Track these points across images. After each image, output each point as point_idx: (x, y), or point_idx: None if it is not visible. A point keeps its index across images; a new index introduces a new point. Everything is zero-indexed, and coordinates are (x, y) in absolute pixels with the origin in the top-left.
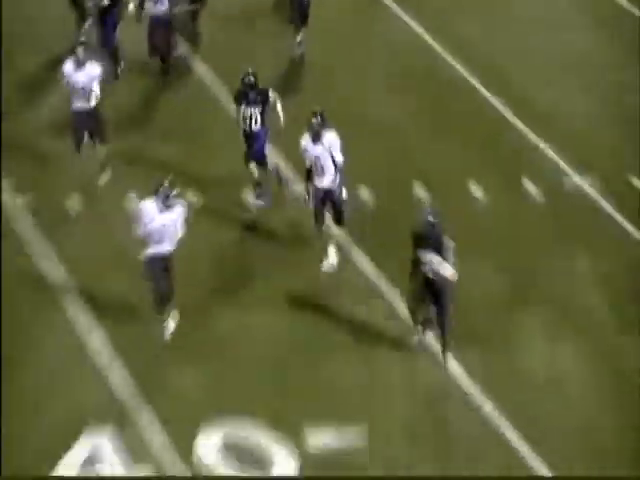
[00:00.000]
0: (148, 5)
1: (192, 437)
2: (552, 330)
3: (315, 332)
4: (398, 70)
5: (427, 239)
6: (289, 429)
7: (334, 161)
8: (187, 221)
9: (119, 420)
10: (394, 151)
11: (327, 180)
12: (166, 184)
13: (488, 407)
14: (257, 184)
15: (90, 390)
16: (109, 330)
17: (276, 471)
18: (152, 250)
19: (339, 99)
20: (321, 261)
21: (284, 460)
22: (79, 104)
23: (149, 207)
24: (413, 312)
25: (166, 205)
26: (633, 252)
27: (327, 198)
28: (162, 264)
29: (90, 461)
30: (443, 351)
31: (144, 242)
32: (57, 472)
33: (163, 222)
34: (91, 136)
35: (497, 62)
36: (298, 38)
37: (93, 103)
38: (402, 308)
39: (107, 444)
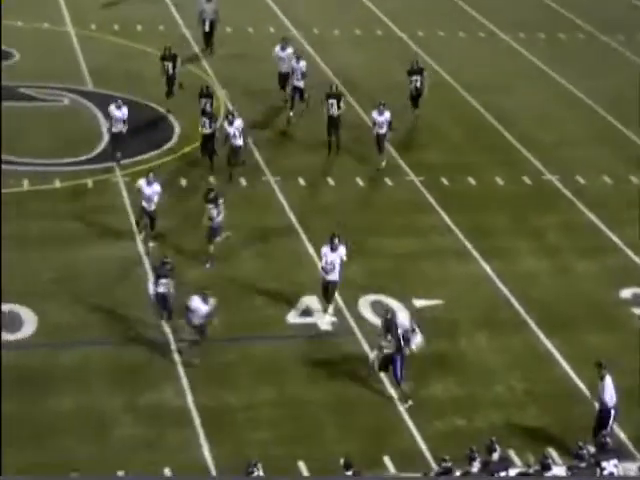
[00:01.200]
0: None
1: (355, 303)
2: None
3: None
4: None
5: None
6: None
7: (340, 265)
8: None
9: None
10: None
11: (334, 275)
12: None
13: None
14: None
15: (303, 273)
16: None
17: (398, 320)
18: None
19: None
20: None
21: (402, 314)
22: (146, 205)
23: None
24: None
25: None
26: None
27: (330, 285)
28: None
29: (305, 313)
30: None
31: None
32: (287, 318)
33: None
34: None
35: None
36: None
37: (154, 207)
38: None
39: (314, 304)
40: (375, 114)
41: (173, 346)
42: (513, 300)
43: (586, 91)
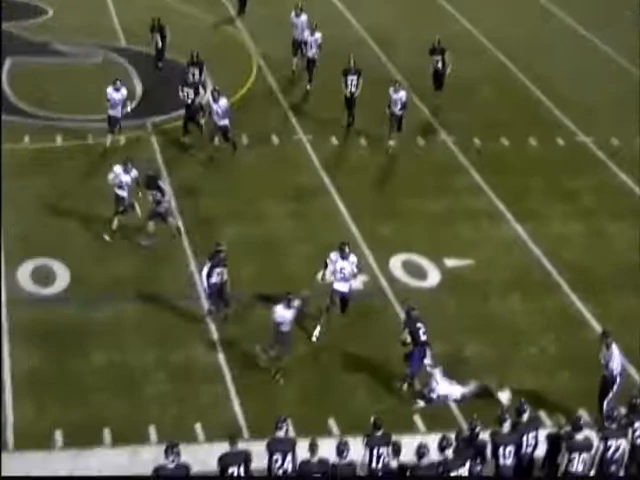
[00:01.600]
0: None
1: (387, 261)
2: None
3: None
4: None
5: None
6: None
7: (352, 274)
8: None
9: None
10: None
11: (344, 286)
12: None
13: None
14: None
15: (335, 233)
16: None
17: (429, 280)
18: None
19: None
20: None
21: (434, 274)
22: (119, 192)
23: None
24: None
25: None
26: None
27: (338, 296)
28: None
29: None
30: None
31: None
32: (318, 277)
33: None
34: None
35: None
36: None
37: (126, 194)
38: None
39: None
40: (391, 91)
41: (206, 304)
42: (545, 262)
43: (621, 53)
